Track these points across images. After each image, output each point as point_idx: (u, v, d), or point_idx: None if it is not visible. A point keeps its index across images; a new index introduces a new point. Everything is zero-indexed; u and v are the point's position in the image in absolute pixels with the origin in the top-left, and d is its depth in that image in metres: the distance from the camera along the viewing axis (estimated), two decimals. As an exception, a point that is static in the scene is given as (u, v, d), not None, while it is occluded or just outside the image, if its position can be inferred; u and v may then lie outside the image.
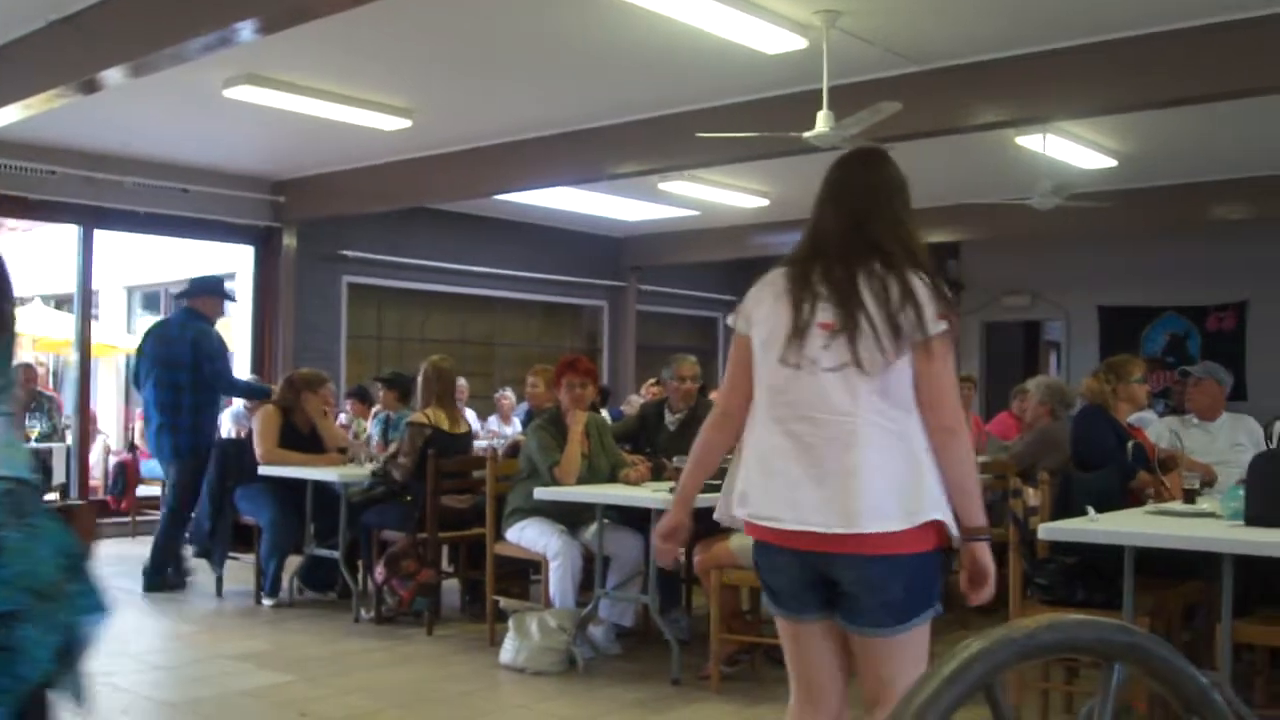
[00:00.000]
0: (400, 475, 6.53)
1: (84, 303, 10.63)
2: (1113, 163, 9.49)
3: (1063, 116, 7.82)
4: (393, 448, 6.78)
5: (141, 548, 9.61)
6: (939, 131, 7.68)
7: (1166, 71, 6.67)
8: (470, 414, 10.45)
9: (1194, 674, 1.14)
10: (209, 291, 7.97)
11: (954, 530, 2.65)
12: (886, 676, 2.69)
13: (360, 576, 6.95)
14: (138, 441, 10.20)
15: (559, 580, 5.65)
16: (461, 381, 11.50)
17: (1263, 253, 11.80)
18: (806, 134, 6.50)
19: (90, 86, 6.69)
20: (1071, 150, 9.02)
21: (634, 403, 9.34)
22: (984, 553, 2.74)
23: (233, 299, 8.21)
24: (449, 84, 7.91)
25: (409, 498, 6.52)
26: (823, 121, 6.50)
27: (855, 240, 2.75)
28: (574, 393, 5.98)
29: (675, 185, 10.65)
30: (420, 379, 6.82)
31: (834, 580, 2.66)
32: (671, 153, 8.77)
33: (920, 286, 2.66)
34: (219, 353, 7.71)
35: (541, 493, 5.69)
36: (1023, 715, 4.25)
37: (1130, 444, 5.11)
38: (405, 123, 8.48)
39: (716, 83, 7.66)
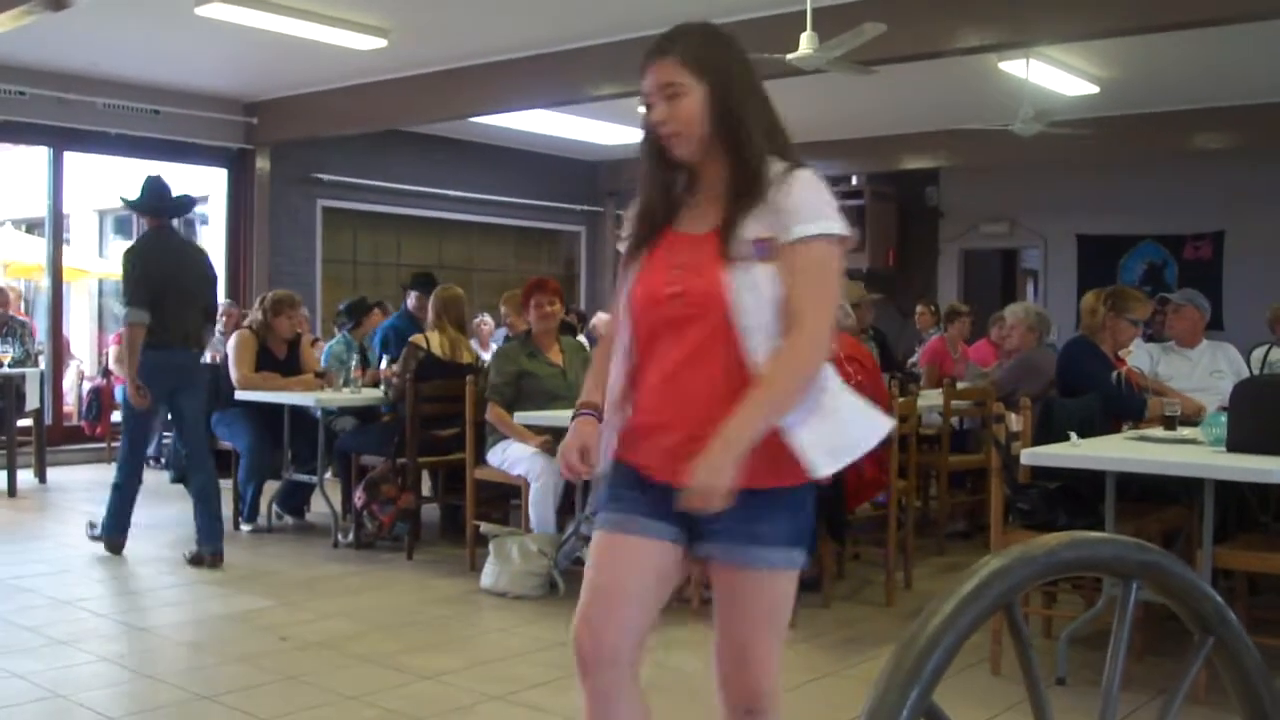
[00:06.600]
0: (392, 394, 6.61)
1: (55, 226, 10.48)
2: (1095, 89, 9.44)
3: (1047, 41, 7.75)
4: (395, 367, 6.78)
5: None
6: (922, 55, 7.61)
7: (1153, -4, 6.62)
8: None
9: (1210, 593, 1.12)
10: None
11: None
12: None
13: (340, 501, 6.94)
14: (111, 366, 10.12)
15: (539, 502, 5.64)
16: (487, 318, 11.19)
17: (1239, 183, 11.79)
18: (789, 56, 6.40)
19: (59, 4, 6.54)
20: (1054, 76, 8.97)
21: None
22: None
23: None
24: (426, 2, 7.77)
25: (387, 418, 6.54)
26: (806, 43, 6.41)
27: None
28: (542, 310, 5.99)
29: (655, 109, 10.54)
30: (429, 304, 6.88)
31: None
32: (652, 75, 8.66)
33: None
34: None
35: (522, 417, 5.68)
36: (1001, 640, 4.27)
37: (1115, 374, 5.09)
38: (381, 42, 8.34)
39: (699, 2, 7.53)
